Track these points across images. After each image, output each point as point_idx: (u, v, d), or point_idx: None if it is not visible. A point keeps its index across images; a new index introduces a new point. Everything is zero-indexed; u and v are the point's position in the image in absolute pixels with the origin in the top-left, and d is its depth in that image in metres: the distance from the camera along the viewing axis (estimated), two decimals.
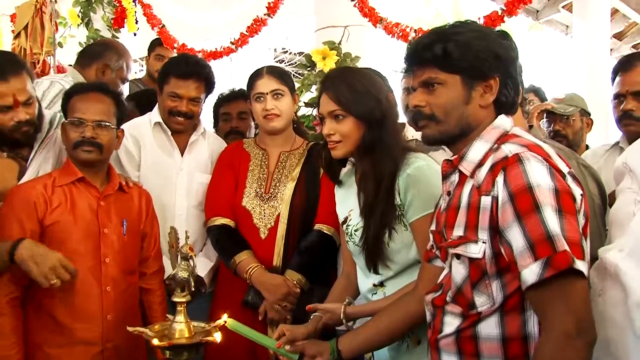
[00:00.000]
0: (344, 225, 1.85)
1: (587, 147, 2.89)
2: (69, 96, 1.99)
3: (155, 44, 3.92)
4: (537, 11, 6.20)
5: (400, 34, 2.93)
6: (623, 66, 2.20)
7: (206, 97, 2.43)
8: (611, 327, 1.25)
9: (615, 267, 1.26)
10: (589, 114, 2.90)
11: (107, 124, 1.96)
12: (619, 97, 2.19)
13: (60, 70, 3.55)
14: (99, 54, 2.86)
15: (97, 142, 1.93)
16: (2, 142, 1.97)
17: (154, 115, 2.41)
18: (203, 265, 2.34)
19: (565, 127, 2.80)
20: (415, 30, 2.91)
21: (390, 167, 1.68)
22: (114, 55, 2.86)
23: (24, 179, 2.01)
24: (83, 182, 1.96)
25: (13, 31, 3.39)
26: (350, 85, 1.72)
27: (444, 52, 1.32)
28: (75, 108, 1.94)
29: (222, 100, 2.87)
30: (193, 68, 2.33)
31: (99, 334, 1.92)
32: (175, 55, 3.41)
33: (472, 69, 1.32)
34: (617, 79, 2.20)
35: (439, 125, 1.36)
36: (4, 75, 1.87)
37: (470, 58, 1.31)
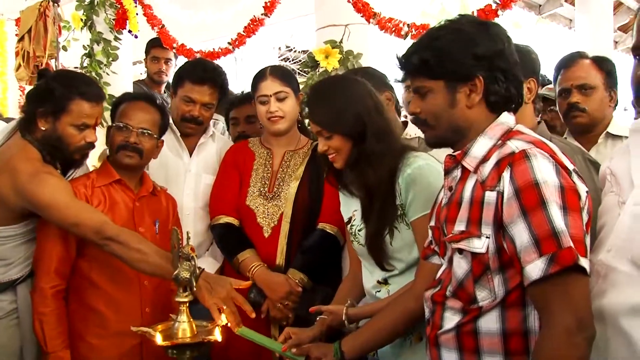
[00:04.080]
0: (349, 226, 1.87)
1: None
2: (119, 103, 2.15)
3: (150, 46, 3.93)
4: (540, 5, 6.16)
5: (394, 29, 2.91)
6: (566, 63, 2.31)
7: (218, 103, 2.46)
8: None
9: (606, 268, 1.28)
10: None
11: (150, 132, 2.09)
12: (564, 92, 2.29)
13: None
14: None
15: (139, 148, 2.06)
16: (56, 160, 2.03)
17: None
18: (210, 266, 2.34)
19: (554, 118, 2.80)
20: (408, 25, 2.89)
21: (382, 174, 1.69)
22: None
23: None
24: (120, 184, 2.09)
25: (17, 35, 3.42)
26: (327, 105, 1.73)
27: (422, 61, 1.34)
28: (123, 114, 2.10)
29: (231, 106, 2.89)
30: (209, 74, 2.37)
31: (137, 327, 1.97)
32: (194, 59, 3.44)
33: (452, 73, 1.34)
34: (561, 76, 2.30)
35: (432, 130, 1.40)
36: (99, 99, 2.05)
37: (447, 63, 1.33)
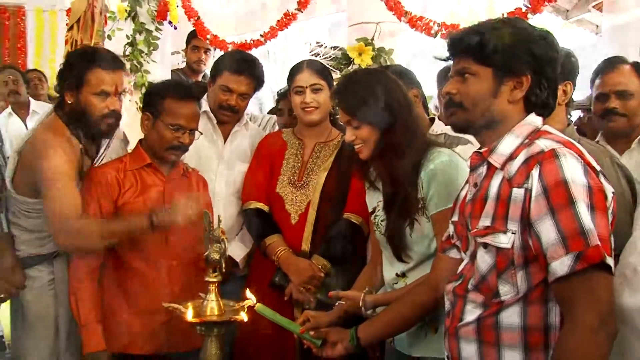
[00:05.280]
0: (372, 216, 1.91)
1: None
2: (165, 95, 2.12)
3: (191, 36, 4.04)
4: (567, 10, 6.07)
5: (424, 27, 2.94)
6: (606, 68, 2.30)
7: (253, 94, 2.54)
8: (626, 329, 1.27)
9: (634, 271, 1.29)
10: None
11: (196, 129, 2.15)
12: (602, 97, 2.28)
13: None
14: None
15: (187, 147, 2.14)
16: (84, 132, 2.10)
17: (202, 103, 2.51)
18: (239, 251, 2.44)
19: (584, 124, 2.80)
20: (438, 24, 2.91)
21: (406, 167, 1.72)
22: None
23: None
24: (151, 167, 2.14)
25: (67, 24, 3.57)
26: (358, 94, 1.75)
27: (479, 44, 1.35)
28: (175, 113, 2.09)
29: (280, 97, 2.95)
30: (247, 65, 2.45)
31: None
32: (231, 50, 3.53)
33: (504, 64, 1.34)
34: (599, 80, 2.29)
35: (465, 113, 1.39)
36: (115, 67, 2.08)
37: (503, 53, 1.33)
